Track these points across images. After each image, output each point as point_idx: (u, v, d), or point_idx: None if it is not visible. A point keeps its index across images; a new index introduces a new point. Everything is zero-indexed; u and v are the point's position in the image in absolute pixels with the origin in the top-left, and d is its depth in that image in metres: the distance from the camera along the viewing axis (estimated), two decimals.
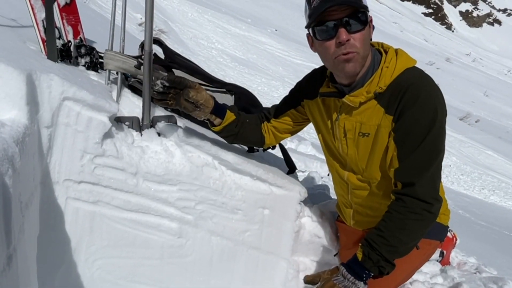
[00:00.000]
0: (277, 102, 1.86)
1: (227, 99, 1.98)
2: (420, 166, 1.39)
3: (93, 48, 1.89)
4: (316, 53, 1.49)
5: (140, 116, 1.71)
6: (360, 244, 1.44)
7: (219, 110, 1.66)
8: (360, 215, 1.75)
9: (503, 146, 12.00)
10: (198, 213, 1.77)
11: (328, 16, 1.34)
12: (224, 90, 1.98)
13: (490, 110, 16.42)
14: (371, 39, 1.44)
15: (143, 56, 1.63)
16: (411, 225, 1.39)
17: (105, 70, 1.79)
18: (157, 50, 1.98)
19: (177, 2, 12.52)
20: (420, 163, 1.39)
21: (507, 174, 9.89)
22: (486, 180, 9.15)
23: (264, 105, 2.13)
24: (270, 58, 11.79)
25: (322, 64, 1.58)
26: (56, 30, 1.74)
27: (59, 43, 1.76)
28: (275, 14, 17.45)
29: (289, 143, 5.28)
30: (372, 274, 1.42)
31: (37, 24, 1.70)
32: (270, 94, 8.83)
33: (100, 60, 1.88)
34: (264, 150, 1.98)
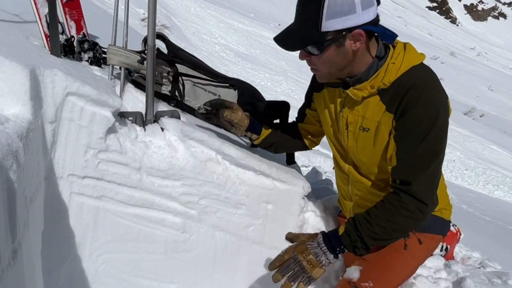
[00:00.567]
0: (281, 97, 1.87)
1: (231, 94, 1.97)
2: (419, 165, 1.38)
3: (96, 43, 1.89)
4: None
5: (143, 111, 1.71)
6: (345, 224, 1.45)
7: (254, 127, 1.79)
8: (360, 208, 1.73)
9: (508, 141, 11.93)
10: (202, 208, 1.77)
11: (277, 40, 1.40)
12: (228, 85, 1.98)
13: (494, 105, 16.32)
14: (354, 51, 1.37)
15: (146, 51, 1.63)
16: (400, 220, 1.39)
17: (108, 65, 1.78)
18: (160, 45, 1.98)
19: None
20: (419, 163, 1.38)
21: None
22: (491, 175, 9.11)
23: (267, 100, 2.12)
24: (273, 53, 11.74)
25: None
26: (59, 25, 1.73)
27: (62, 38, 1.76)
28: (278, 9, 17.39)
29: None
30: (345, 251, 1.43)
31: (40, 19, 1.70)
32: (273, 89, 8.81)
33: (103, 55, 1.88)
34: None
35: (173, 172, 1.70)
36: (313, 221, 1.92)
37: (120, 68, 1.78)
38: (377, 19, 1.34)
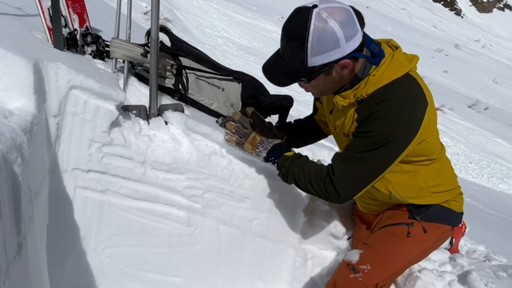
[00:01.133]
0: (283, 91, 1.88)
1: (235, 87, 1.96)
2: (350, 165, 1.45)
3: (99, 37, 1.88)
4: None
5: (147, 105, 1.70)
6: (294, 153, 1.61)
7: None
8: (363, 200, 1.80)
9: None
10: (206, 202, 1.77)
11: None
12: (231, 78, 1.97)
13: (499, 97, 16.21)
14: (342, 75, 1.41)
15: (149, 44, 1.62)
16: (317, 190, 1.52)
17: (112, 58, 1.78)
18: (163, 38, 1.96)
19: None
20: (351, 163, 1.45)
21: None
22: (495, 168, 9.07)
23: (271, 93, 2.11)
24: (276, 46, 11.54)
25: None
26: (62, 19, 1.73)
27: (65, 31, 1.75)
28: (281, 1, 17.27)
29: None
30: (274, 164, 1.64)
31: (43, 13, 1.69)
32: None
33: (107, 48, 1.87)
34: None
35: (177, 165, 1.70)
36: (318, 214, 1.92)
37: (123, 62, 1.77)
38: (363, 42, 1.36)
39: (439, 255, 1.94)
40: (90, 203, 1.64)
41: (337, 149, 1.79)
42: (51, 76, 1.38)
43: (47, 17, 1.68)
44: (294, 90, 2.44)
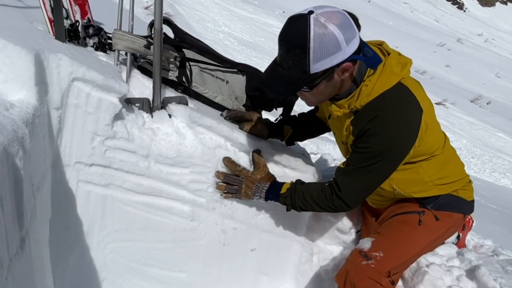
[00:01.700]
0: None
1: (239, 80, 1.93)
2: (353, 178, 1.49)
3: (101, 29, 1.84)
4: None
5: (150, 98, 1.67)
6: (289, 186, 1.64)
7: (275, 132, 1.88)
8: (371, 197, 1.79)
9: None
10: (211, 196, 1.75)
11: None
12: (236, 70, 1.93)
13: (502, 92, 16.12)
14: (342, 79, 1.40)
15: (152, 35, 1.58)
16: (326, 208, 1.57)
17: (114, 50, 1.74)
18: (166, 31, 1.93)
19: None
20: (354, 177, 1.49)
21: None
22: (497, 162, 9.03)
23: None
24: (277, 40, 11.63)
25: None
26: (63, 10, 1.69)
27: (66, 23, 1.72)
28: None
29: None
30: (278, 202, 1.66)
31: (44, 4, 1.65)
32: None
33: (109, 41, 1.84)
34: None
35: (182, 159, 1.67)
36: None
37: (126, 54, 1.74)
38: (360, 44, 1.35)
39: (446, 250, 1.91)
40: (93, 197, 1.62)
41: None
42: (52, 67, 1.35)
43: (48, 8, 1.65)
44: None
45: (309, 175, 1.84)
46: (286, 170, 1.81)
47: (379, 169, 1.45)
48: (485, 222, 3.80)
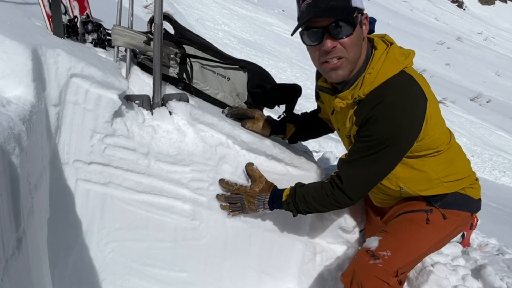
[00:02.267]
0: (285, 83, 1.86)
1: (240, 77, 1.90)
2: (357, 169, 1.47)
3: (100, 25, 1.81)
4: None
5: (150, 95, 1.64)
6: (289, 191, 1.62)
7: (278, 130, 1.86)
8: (376, 196, 1.78)
9: None
10: (212, 195, 1.72)
11: (314, 22, 1.32)
12: (237, 67, 1.91)
13: (502, 90, 16.10)
14: (372, 30, 1.44)
15: (152, 31, 1.55)
16: (329, 206, 1.56)
17: (113, 46, 1.71)
18: (166, 27, 1.90)
19: None
20: (358, 168, 1.46)
21: None
22: (497, 161, 9.02)
23: (277, 83, 2.05)
24: (277, 39, 11.58)
25: None
26: (62, 5, 1.66)
27: (65, 19, 1.69)
28: None
29: None
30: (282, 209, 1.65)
31: None
32: (277, 76, 8.70)
33: (108, 37, 1.81)
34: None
35: (182, 157, 1.64)
36: None
37: (125, 50, 1.71)
38: None
39: (451, 249, 1.89)
40: (92, 196, 1.59)
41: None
42: (50, 63, 1.32)
43: (46, 3, 1.62)
44: (293, 82, 2.38)
45: (311, 173, 1.81)
46: (288, 168, 1.78)
47: (383, 158, 1.42)
48: (488, 220, 3.77)
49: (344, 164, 1.51)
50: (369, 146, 1.41)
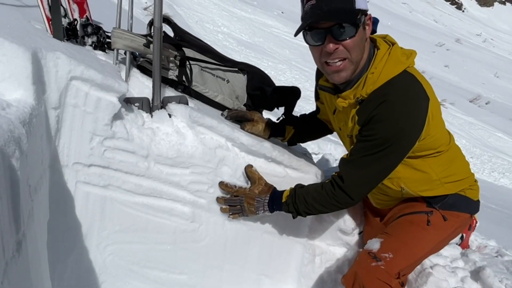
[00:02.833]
0: (285, 85, 1.87)
1: (240, 79, 1.90)
2: (359, 169, 1.46)
3: (100, 27, 1.82)
4: None
5: (150, 97, 1.64)
6: (288, 192, 1.62)
7: (277, 132, 1.86)
8: (376, 197, 1.78)
9: None
10: (212, 197, 1.72)
11: (316, 23, 1.33)
12: (236, 69, 1.91)
13: (501, 92, 16.12)
14: (374, 31, 1.44)
15: (152, 34, 1.56)
16: (330, 207, 1.55)
17: (113, 49, 1.72)
18: (166, 29, 1.90)
19: None
20: (360, 167, 1.46)
21: None
22: (496, 162, 9.02)
23: (276, 85, 2.05)
24: (276, 41, 11.60)
25: None
26: (62, 8, 1.67)
27: (64, 21, 1.69)
28: None
29: None
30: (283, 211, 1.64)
31: (41, 2, 1.63)
32: (277, 78, 8.70)
33: (108, 40, 1.81)
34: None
35: (182, 160, 1.64)
36: None
37: (125, 53, 1.71)
38: None
39: (450, 251, 1.89)
40: (92, 198, 1.59)
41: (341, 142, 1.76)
42: (50, 66, 1.32)
43: (46, 6, 1.63)
44: (294, 85, 2.39)
45: (311, 175, 1.81)
46: (287, 170, 1.78)
47: (385, 158, 1.42)
48: (487, 222, 3.77)
49: (346, 163, 1.51)
50: (371, 145, 1.41)
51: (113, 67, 1.67)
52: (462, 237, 2.11)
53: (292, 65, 10.19)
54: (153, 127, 1.62)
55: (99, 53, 1.76)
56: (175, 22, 1.91)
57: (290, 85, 2.04)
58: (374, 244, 1.57)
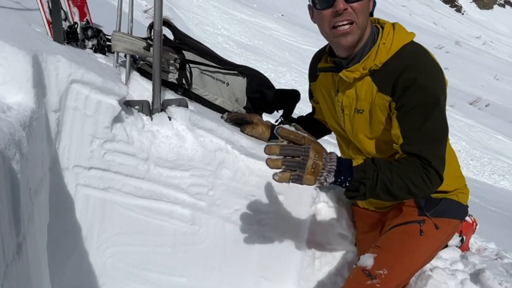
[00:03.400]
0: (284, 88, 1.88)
1: (239, 82, 1.91)
2: (432, 142, 1.37)
3: (100, 31, 1.83)
4: (323, 37, 1.51)
5: (150, 100, 1.65)
6: (364, 159, 1.31)
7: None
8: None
9: None
10: (211, 200, 1.72)
11: None
12: (236, 72, 1.92)
13: (500, 94, 16.14)
14: (372, 14, 1.48)
15: (152, 37, 1.56)
16: (419, 184, 1.32)
17: (113, 52, 1.72)
18: (165, 33, 1.91)
19: None
20: (430, 140, 1.37)
21: None
22: (496, 165, 9.03)
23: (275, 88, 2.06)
24: (276, 43, 11.63)
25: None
26: (62, 12, 1.68)
27: (65, 25, 1.70)
28: None
29: None
30: (346, 185, 1.26)
31: (42, 5, 1.64)
32: (277, 80, 8.71)
33: (108, 43, 1.82)
34: None
35: (182, 162, 1.65)
36: (326, 212, 1.87)
37: (125, 56, 1.72)
38: None
39: (450, 253, 1.89)
40: (92, 201, 1.59)
41: None
42: (51, 69, 1.32)
43: (47, 10, 1.63)
44: (294, 87, 2.40)
45: None
46: None
47: (442, 114, 1.40)
48: (487, 224, 3.78)
49: (414, 143, 1.36)
50: (422, 112, 1.36)
51: (113, 70, 1.68)
52: (462, 240, 2.11)
53: (292, 67, 10.20)
54: (153, 130, 1.62)
55: (99, 56, 1.77)
56: (175, 25, 1.91)
57: (290, 87, 2.05)
58: (367, 260, 1.52)
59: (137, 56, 1.79)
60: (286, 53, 11.31)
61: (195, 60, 1.85)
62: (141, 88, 1.70)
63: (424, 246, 1.58)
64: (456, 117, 10.84)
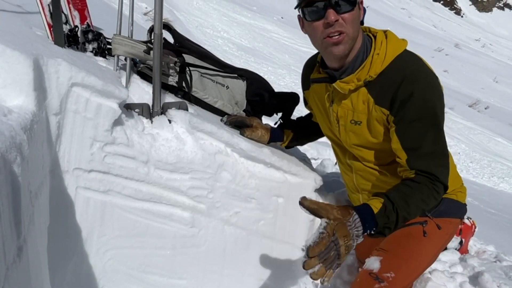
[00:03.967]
0: (284, 91, 1.88)
1: (239, 85, 1.92)
2: (433, 154, 1.39)
3: (101, 34, 1.83)
4: None
5: (150, 103, 1.66)
6: (377, 203, 1.26)
7: (276, 137, 1.87)
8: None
9: None
10: (211, 202, 1.73)
11: None
12: (236, 75, 1.93)
13: (500, 97, 16.15)
14: (362, 22, 1.46)
15: (152, 41, 1.57)
16: (431, 202, 1.37)
17: (113, 55, 1.73)
18: (165, 36, 1.92)
19: None
20: (432, 152, 1.39)
21: None
22: (496, 167, 9.02)
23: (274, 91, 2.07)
24: (276, 46, 11.64)
25: None
26: (63, 15, 1.69)
27: (65, 28, 1.71)
28: (280, 2, 17.21)
29: None
30: (371, 233, 1.23)
31: (43, 9, 1.65)
32: (276, 83, 8.72)
33: (108, 46, 1.83)
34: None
35: (181, 165, 1.65)
36: None
37: (125, 59, 1.73)
38: None
39: (449, 256, 1.89)
40: (92, 204, 1.60)
41: None
42: (51, 73, 1.33)
43: (47, 13, 1.64)
44: (294, 90, 2.41)
45: (310, 181, 1.82)
46: (287, 175, 1.79)
47: (438, 126, 1.40)
48: (486, 227, 3.78)
49: (417, 157, 1.37)
50: (421, 125, 1.37)
51: (114, 73, 1.68)
52: (461, 242, 2.11)
53: (292, 70, 10.21)
54: (153, 132, 1.63)
55: (99, 59, 1.78)
56: (175, 29, 1.92)
57: (290, 90, 2.06)
58: (373, 264, 1.52)
59: (137, 59, 1.80)
60: (286, 55, 11.33)
61: (195, 63, 1.86)
62: (141, 91, 1.71)
63: (428, 247, 1.60)
64: (455, 120, 10.85)
